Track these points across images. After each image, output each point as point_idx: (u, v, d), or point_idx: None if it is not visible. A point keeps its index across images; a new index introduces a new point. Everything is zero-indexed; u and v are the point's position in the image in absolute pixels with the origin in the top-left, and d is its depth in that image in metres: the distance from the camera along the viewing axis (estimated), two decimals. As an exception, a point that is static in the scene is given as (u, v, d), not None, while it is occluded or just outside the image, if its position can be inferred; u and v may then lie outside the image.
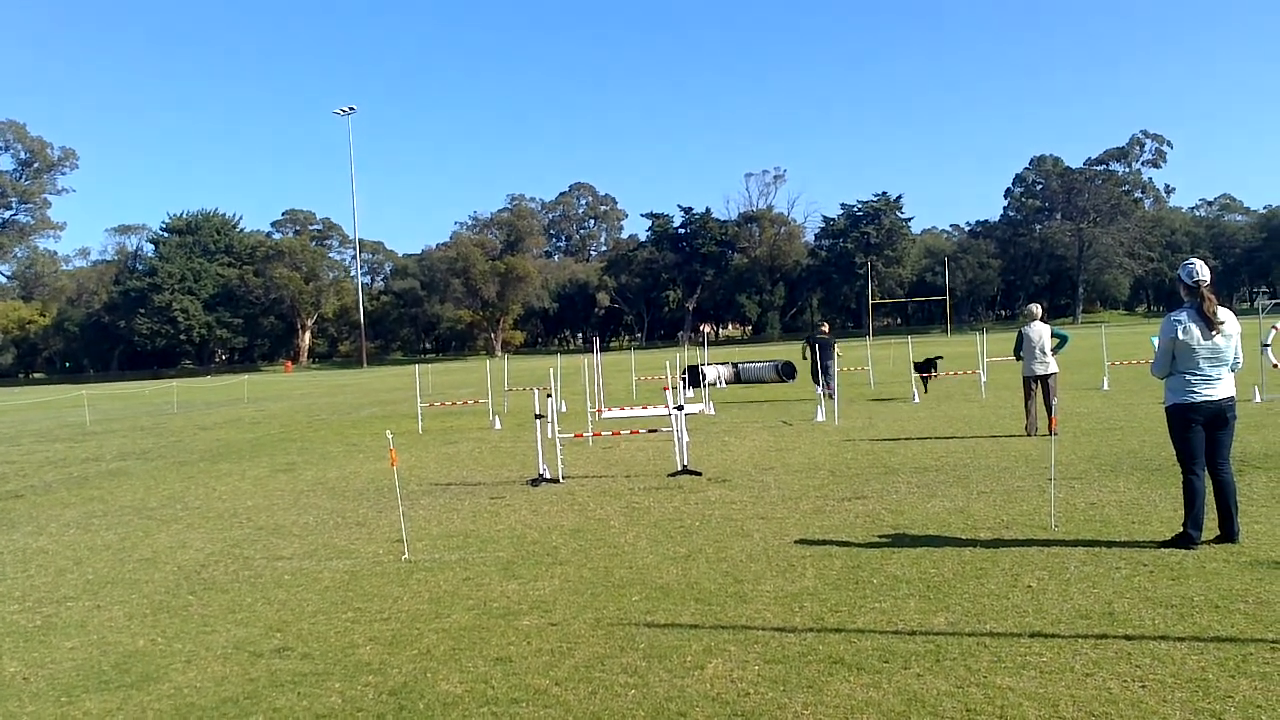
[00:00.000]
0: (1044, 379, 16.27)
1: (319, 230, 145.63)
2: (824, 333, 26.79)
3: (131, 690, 6.09)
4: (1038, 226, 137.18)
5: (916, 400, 23.45)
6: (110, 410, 41.66)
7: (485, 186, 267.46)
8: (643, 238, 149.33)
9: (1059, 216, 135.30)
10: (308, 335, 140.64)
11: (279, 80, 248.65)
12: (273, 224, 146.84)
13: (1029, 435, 15.93)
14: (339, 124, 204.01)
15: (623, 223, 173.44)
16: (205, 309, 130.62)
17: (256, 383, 70.77)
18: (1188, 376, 8.16)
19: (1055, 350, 16.46)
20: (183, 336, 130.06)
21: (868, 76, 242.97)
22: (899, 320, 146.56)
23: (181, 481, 16.29)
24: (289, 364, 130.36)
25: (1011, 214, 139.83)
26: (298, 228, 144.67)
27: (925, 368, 26.39)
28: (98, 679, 6.34)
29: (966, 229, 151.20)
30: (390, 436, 10.52)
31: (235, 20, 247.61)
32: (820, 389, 23.11)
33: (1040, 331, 16.43)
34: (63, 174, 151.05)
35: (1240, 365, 8.26)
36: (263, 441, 22.87)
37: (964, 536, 8.89)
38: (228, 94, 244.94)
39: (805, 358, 26.62)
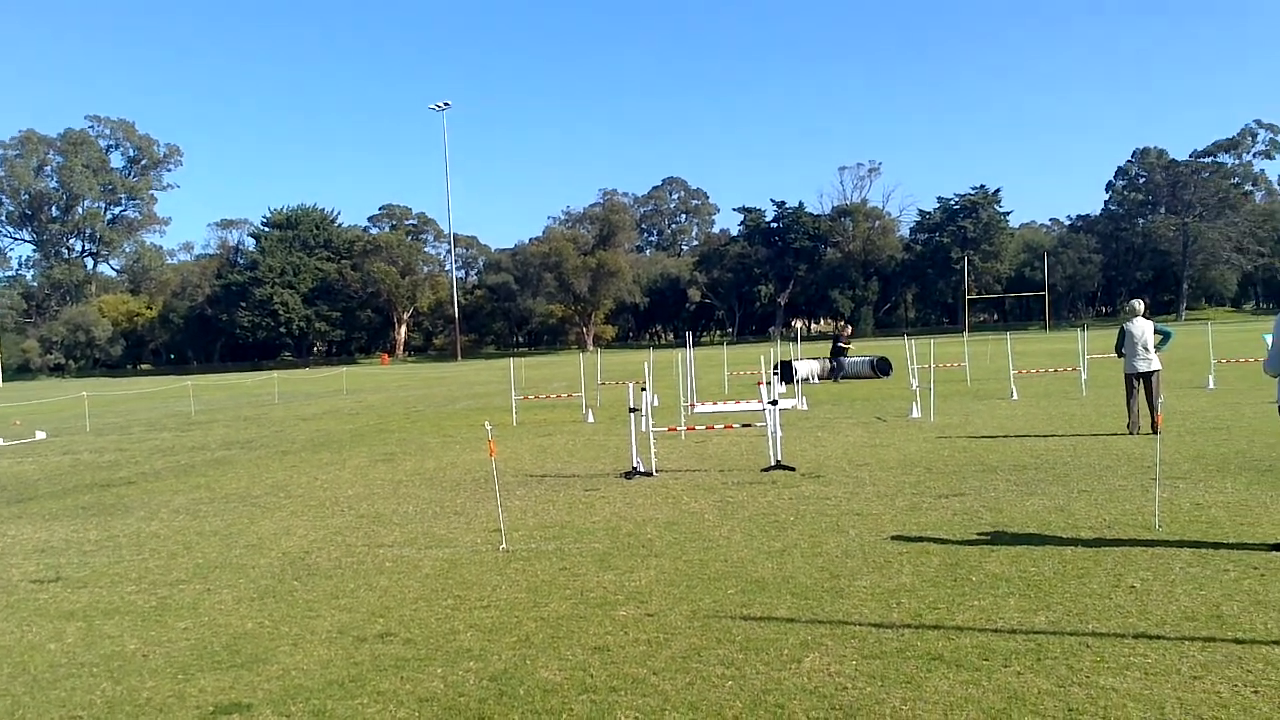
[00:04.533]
0: (1146, 376, 15.96)
1: (414, 225, 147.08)
2: (845, 336, 34.61)
3: (242, 670, 6.27)
4: (1140, 220, 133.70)
5: (1015, 398, 23.12)
6: (214, 400, 42.62)
7: (578, 181, 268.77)
8: (734, 232, 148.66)
9: (1163, 210, 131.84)
10: (403, 329, 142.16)
11: (376, 77, 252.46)
12: (369, 219, 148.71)
13: (1131, 434, 15.63)
14: (434, 119, 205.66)
15: (714, 217, 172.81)
16: (304, 302, 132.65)
17: (354, 375, 71.96)
18: (1301, 374, 7.97)
19: (1158, 347, 16.14)
20: (282, 329, 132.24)
21: (965, 67, 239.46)
22: (995, 316, 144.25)
23: (284, 470, 16.64)
24: (385, 357, 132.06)
25: (1113, 208, 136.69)
26: (394, 223, 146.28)
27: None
28: (210, 659, 6.54)
29: (1066, 223, 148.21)
30: (489, 428, 10.65)
31: (333, 18, 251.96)
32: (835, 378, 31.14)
33: (1143, 327, 16.11)
34: (168, 170, 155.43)
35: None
36: (362, 432, 23.25)
37: (1065, 535, 8.77)
38: (326, 91, 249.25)
39: (830, 356, 33.49)
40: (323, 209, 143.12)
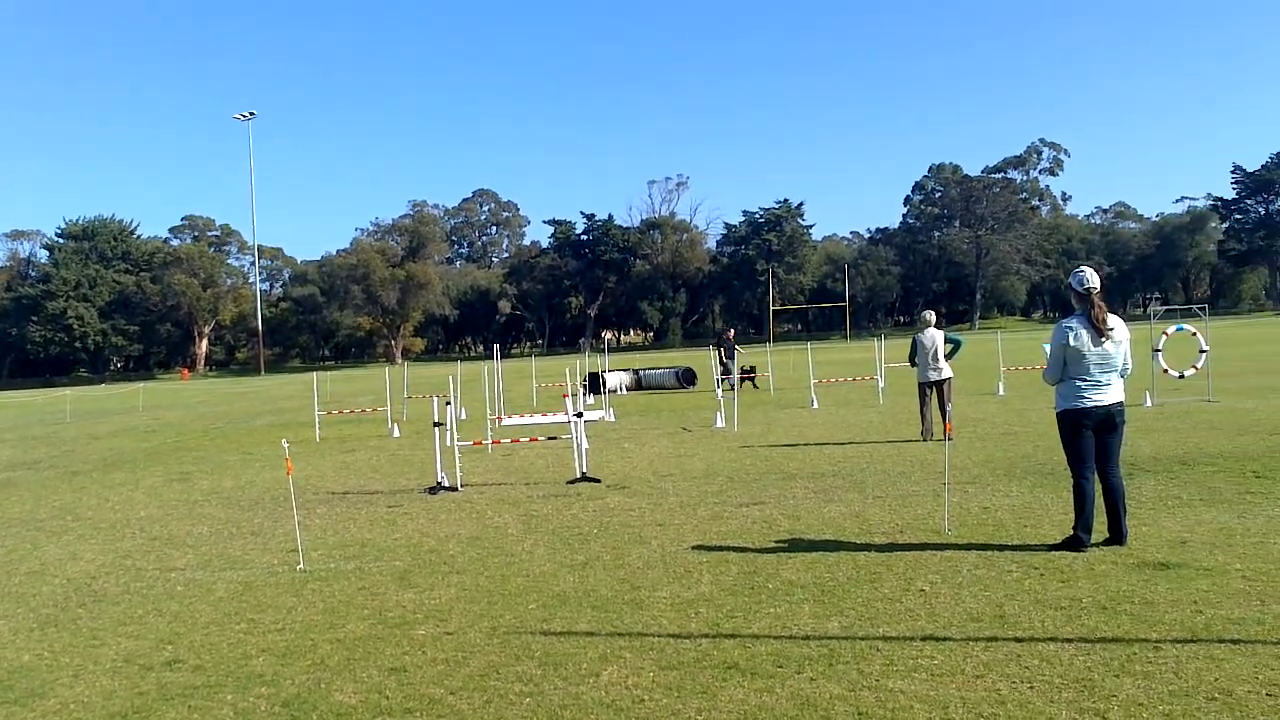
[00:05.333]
0: (938, 384, 16.53)
1: (217, 236, 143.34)
2: (729, 337, 34.75)
3: (15, 706, 5.93)
4: (937, 234, 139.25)
5: (815, 406, 23.71)
6: (-3, 420, 40.52)
7: (387, 193, 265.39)
8: (545, 244, 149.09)
9: (958, 224, 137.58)
10: (205, 343, 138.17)
11: (179, 85, 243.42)
12: (171, 230, 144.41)
13: (924, 440, 16.18)
14: (239, 129, 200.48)
15: (525, 229, 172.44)
16: (101, 316, 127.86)
17: (152, 391, 69.33)
18: (1078, 382, 8.34)
19: (949, 356, 16.72)
20: (77, 344, 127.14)
21: (771, 84, 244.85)
22: (799, 327, 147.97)
23: (73, 492, 15.91)
24: (185, 372, 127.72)
25: (911, 221, 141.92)
26: (196, 234, 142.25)
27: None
28: (-21, 696, 6.17)
29: (867, 236, 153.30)
30: (286, 446, 10.39)
31: (133, 22, 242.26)
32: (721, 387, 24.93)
33: (934, 337, 16.68)
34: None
35: (1129, 371, 8.48)
36: (157, 451, 22.42)
37: (859, 541, 9.00)
38: (125, 98, 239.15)
39: (720, 361, 31.15)
40: (121, 220, 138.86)
